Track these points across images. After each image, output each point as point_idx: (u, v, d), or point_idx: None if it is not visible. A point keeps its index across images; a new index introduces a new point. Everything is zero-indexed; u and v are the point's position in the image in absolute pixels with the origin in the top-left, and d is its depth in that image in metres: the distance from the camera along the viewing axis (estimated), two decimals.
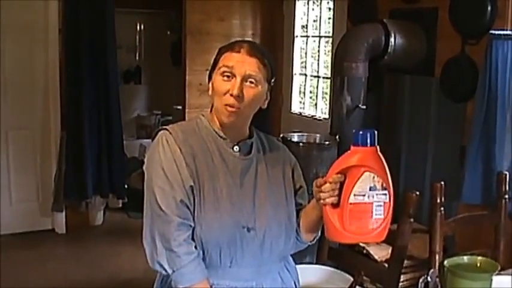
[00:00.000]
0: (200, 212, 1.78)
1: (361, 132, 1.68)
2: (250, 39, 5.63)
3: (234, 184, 1.83)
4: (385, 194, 1.72)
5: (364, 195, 1.71)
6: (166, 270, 1.78)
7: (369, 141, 1.68)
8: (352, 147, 1.70)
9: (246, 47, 1.82)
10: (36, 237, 5.27)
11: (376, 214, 1.72)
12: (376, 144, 1.69)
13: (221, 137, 1.87)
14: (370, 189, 1.71)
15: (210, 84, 1.88)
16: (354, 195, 1.71)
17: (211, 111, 1.92)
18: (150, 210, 1.82)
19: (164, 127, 1.88)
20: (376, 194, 1.71)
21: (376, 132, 1.70)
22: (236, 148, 1.87)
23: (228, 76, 1.79)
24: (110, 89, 5.33)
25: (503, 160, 3.40)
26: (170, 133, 1.84)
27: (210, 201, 1.79)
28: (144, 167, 1.89)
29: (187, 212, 1.77)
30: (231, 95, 1.77)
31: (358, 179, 1.71)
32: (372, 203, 1.71)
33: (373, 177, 1.71)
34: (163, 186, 1.78)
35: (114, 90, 5.38)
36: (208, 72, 1.91)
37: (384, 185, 1.71)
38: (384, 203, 1.72)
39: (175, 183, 1.77)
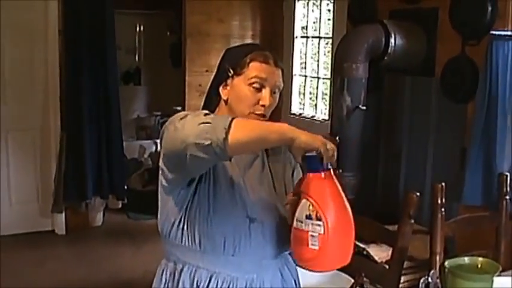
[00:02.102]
0: (213, 198, 1.79)
1: (307, 155, 1.60)
2: (251, 40, 5.66)
3: (240, 177, 1.86)
4: (320, 225, 1.64)
5: (302, 222, 1.68)
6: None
7: (316, 166, 1.62)
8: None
9: (271, 57, 1.87)
10: (36, 238, 5.27)
11: (311, 244, 1.67)
12: (323, 170, 1.63)
13: None
14: (306, 218, 1.67)
15: (226, 89, 1.88)
16: (296, 220, 1.70)
17: (213, 111, 1.94)
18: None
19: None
20: (311, 224, 1.66)
21: (320, 157, 1.61)
22: None
23: (257, 87, 1.83)
24: (109, 90, 5.33)
25: (503, 161, 3.39)
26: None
27: (221, 189, 1.81)
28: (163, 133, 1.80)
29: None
30: (263, 105, 1.82)
31: (298, 205, 1.70)
32: (308, 232, 1.67)
33: (309, 206, 1.66)
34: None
35: (114, 91, 5.39)
36: (219, 76, 1.90)
37: (319, 215, 1.64)
38: (319, 234, 1.65)
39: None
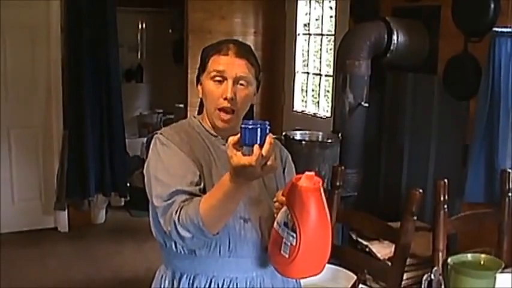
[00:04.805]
0: None
1: (242, 126, 1.50)
2: (253, 37, 5.66)
3: None
4: (293, 237, 1.64)
5: (280, 227, 1.69)
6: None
7: (250, 139, 1.51)
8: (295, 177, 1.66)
9: (233, 48, 1.83)
10: (38, 236, 5.28)
11: (283, 251, 1.68)
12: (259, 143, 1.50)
13: (212, 135, 1.89)
14: (284, 224, 1.67)
15: (200, 88, 1.90)
16: (277, 222, 1.71)
17: (199, 112, 1.97)
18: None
19: (156, 131, 1.89)
20: (287, 232, 1.66)
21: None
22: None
23: (219, 80, 1.81)
24: (111, 88, 5.34)
25: (506, 158, 3.39)
26: (164, 136, 1.85)
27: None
28: (144, 171, 1.88)
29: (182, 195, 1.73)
30: (225, 98, 1.79)
31: (281, 209, 1.70)
32: (282, 238, 1.68)
33: (288, 215, 1.66)
34: (162, 179, 1.77)
35: (116, 88, 5.39)
36: (196, 74, 1.92)
37: (295, 227, 1.63)
38: (291, 244, 1.65)
39: (176, 178, 1.75)
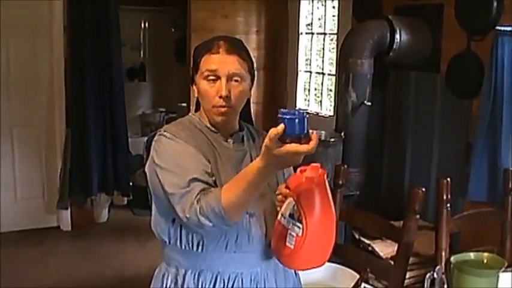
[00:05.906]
0: None
1: (284, 117, 1.50)
2: (255, 36, 5.66)
3: (234, 174, 1.82)
4: (299, 227, 1.67)
5: (285, 218, 1.72)
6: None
7: (292, 130, 1.50)
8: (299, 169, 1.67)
9: (224, 45, 1.83)
10: (41, 234, 5.29)
11: (288, 242, 1.70)
12: (303, 135, 1.51)
13: (213, 131, 1.90)
14: (289, 216, 1.70)
15: (195, 87, 1.90)
16: (281, 214, 1.73)
17: (196, 110, 1.97)
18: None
19: (159, 130, 1.89)
20: (292, 223, 1.69)
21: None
22: (230, 140, 1.91)
23: (212, 79, 1.81)
24: (114, 87, 5.34)
25: (509, 157, 3.38)
26: (169, 132, 1.85)
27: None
28: (146, 169, 1.88)
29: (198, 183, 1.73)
30: (220, 96, 1.80)
31: (285, 201, 1.72)
32: (288, 230, 1.70)
33: (294, 206, 1.68)
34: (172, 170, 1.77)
35: (119, 87, 5.39)
36: (190, 74, 1.92)
37: (301, 218, 1.66)
38: (297, 235, 1.68)
39: (186, 169, 1.74)
